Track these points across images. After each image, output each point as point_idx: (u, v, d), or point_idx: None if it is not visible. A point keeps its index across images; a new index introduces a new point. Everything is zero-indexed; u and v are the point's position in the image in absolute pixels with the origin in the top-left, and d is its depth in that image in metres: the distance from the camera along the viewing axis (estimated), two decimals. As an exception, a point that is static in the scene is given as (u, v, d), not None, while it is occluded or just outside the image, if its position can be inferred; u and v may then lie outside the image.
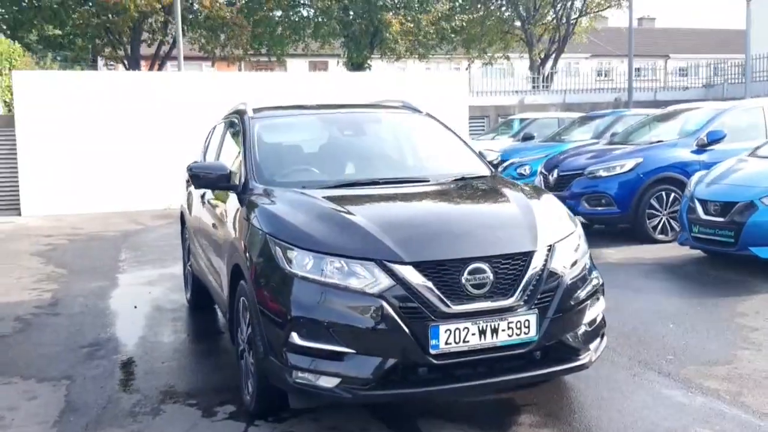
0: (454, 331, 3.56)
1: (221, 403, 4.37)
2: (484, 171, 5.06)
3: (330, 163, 5.03)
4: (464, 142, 5.36)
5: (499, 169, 5.57)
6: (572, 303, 3.86)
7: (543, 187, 10.57)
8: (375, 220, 3.88)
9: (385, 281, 3.55)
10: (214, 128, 6.34)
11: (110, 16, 20.61)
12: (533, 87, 27.24)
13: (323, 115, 5.73)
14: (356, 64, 25.49)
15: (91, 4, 21.34)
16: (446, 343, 3.54)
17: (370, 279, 3.57)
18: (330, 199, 4.16)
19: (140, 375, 4.97)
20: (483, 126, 19.69)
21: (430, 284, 3.56)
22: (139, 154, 14.72)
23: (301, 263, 3.67)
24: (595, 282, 4.08)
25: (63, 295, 7.52)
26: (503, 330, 3.64)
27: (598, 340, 4.10)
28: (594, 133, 13.94)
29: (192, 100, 14.71)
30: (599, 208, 9.81)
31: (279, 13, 25.36)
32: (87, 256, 10.01)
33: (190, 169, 4.73)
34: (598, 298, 4.10)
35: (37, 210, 14.25)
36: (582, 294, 3.93)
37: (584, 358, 3.93)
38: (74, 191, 14.47)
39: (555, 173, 10.50)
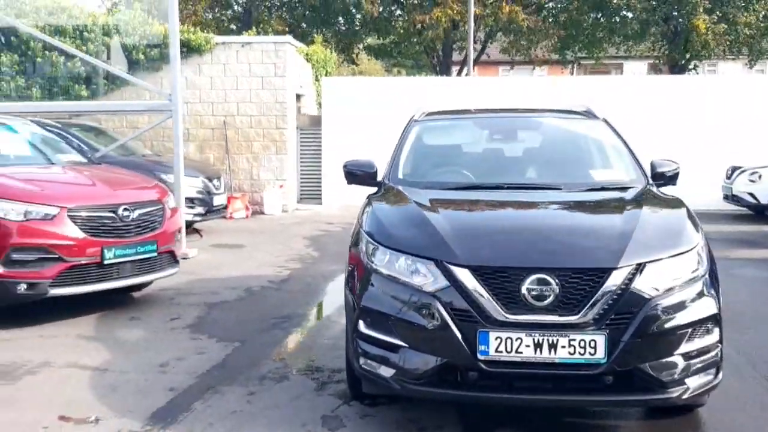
0: (505, 340, 3.46)
1: (338, 381, 4.70)
2: (638, 182, 4.71)
3: (469, 165, 5.08)
4: (629, 150, 5.01)
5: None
6: (660, 329, 3.49)
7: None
8: (454, 222, 3.92)
9: (441, 281, 3.59)
10: None
11: (426, 29, 21.96)
12: None
13: (483, 119, 5.74)
14: (677, 67, 23.94)
15: (406, 17, 23.04)
16: (497, 351, 3.47)
17: (429, 278, 3.63)
18: (434, 200, 4.25)
19: (298, 347, 5.53)
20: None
21: (483, 289, 3.50)
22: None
23: (380, 259, 3.84)
24: (705, 311, 3.62)
25: (300, 274, 8.46)
26: (563, 347, 3.44)
27: (704, 376, 3.62)
28: None
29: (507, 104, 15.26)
30: None
31: (596, 15, 24.75)
32: (347, 242, 11.01)
33: (345, 166, 5.13)
34: (708, 330, 3.63)
35: (335, 200, 15.88)
36: (678, 321, 3.52)
37: (673, 393, 3.52)
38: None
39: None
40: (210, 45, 14.55)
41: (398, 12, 23.83)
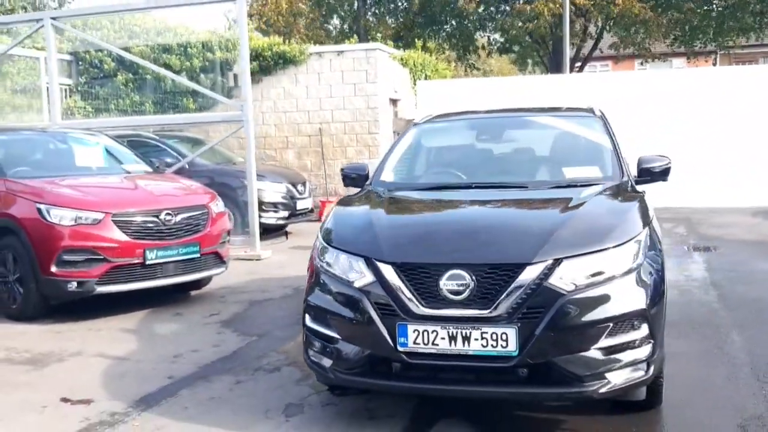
0: (422, 333, 3.61)
1: (322, 373, 4.96)
2: (612, 178, 4.68)
3: (449, 166, 5.20)
4: (614, 147, 4.93)
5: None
6: (575, 324, 3.51)
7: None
8: (393, 222, 4.12)
9: (369, 277, 3.78)
10: None
11: (529, 20, 21.76)
12: None
13: (477, 120, 5.80)
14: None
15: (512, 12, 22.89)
16: (415, 343, 3.62)
17: (360, 274, 3.83)
18: (392, 200, 4.47)
19: (307, 342, 5.83)
20: None
21: (403, 284, 3.66)
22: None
23: (327, 258, 4.07)
24: (629, 306, 3.59)
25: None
26: (476, 339, 3.55)
27: (630, 371, 3.59)
28: None
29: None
30: None
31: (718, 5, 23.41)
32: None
33: (342, 170, 5.40)
34: (633, 326, 3.60)
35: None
36: (595, 316, 3.52)
37: (590, 387, 3.53)
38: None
39: None
40: (304, 55, 15.20)
41: (503, 7, 23.73)
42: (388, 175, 5.11)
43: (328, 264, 4.03)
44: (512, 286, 3.53)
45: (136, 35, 15.66)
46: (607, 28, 23.21)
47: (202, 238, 7.02)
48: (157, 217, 6.71)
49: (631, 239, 3.77)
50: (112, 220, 6.48)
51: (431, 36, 24.49)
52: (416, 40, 19.57)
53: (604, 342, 3.54)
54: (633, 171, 4.90)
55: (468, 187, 4.72)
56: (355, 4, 24.50)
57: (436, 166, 5.30)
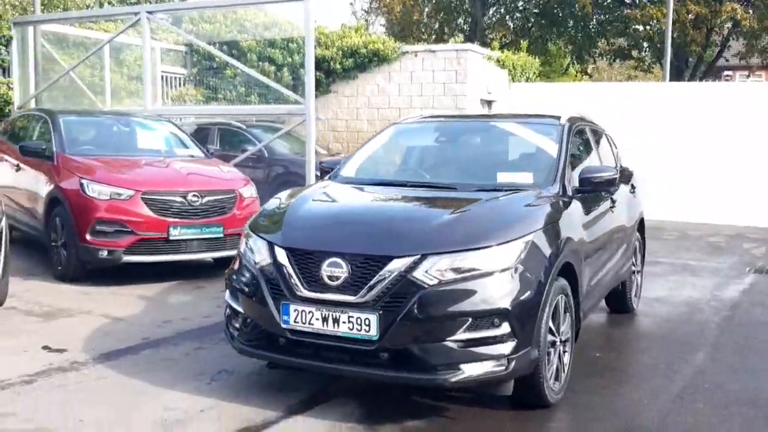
0: (301, 312, 3.97)
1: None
2: (541, 185, 4.77)
3: (399, 164, 5.50)
4: (562, 156, 4.97)
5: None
6: (431, 315, 3.76)
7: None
8: (304, 211, 4.52)
9: (268, 259, 4.18)
10: None
11: (643, 25, 21.04)
12: None
13: (442, 123, 6.06)
14: None
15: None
16: (295, 321, 3.99)
17: (262, 256, 4.23)
18: (323, 193, 4.85)
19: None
20: None
21: (292, 268, 4.04)
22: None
23: (249, 242, 4.48)
24: (491, 303, 3.78)
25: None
26: (344, 322, 3.86)
27: (488, 365, 3.80)
28: None
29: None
30: None
31: None
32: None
33: (320, 163, 5.80)
34: (494, 323, 3.78)
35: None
36: (453, 309, 3.76)
37: (442, 375, 3.77)
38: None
39: None
40: (397, 54, 15.63)
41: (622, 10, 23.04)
42: (347, 170, 5.44)
43: (249, 248, 4.45)
44: (378, 276, 3.82)
45: (246, 30, 16.69)
46: (733, 36, 21.96)
47: (227, 220, 7.63)
48: (184, 197, 7.38)
49: (514, 240, 3.94)
50: (141, 198, 7.21)
51: (551, 38, 24.18)
52: (522, 42, 19.39)
53: (462, 335, 3.76)
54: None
55: (403, 185, 4.99)
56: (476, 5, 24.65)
57: (389, 164, 5.59)
